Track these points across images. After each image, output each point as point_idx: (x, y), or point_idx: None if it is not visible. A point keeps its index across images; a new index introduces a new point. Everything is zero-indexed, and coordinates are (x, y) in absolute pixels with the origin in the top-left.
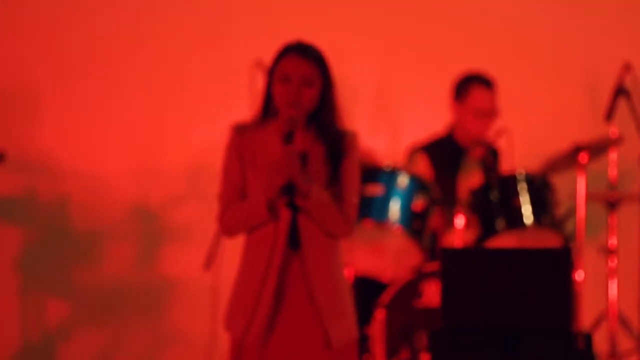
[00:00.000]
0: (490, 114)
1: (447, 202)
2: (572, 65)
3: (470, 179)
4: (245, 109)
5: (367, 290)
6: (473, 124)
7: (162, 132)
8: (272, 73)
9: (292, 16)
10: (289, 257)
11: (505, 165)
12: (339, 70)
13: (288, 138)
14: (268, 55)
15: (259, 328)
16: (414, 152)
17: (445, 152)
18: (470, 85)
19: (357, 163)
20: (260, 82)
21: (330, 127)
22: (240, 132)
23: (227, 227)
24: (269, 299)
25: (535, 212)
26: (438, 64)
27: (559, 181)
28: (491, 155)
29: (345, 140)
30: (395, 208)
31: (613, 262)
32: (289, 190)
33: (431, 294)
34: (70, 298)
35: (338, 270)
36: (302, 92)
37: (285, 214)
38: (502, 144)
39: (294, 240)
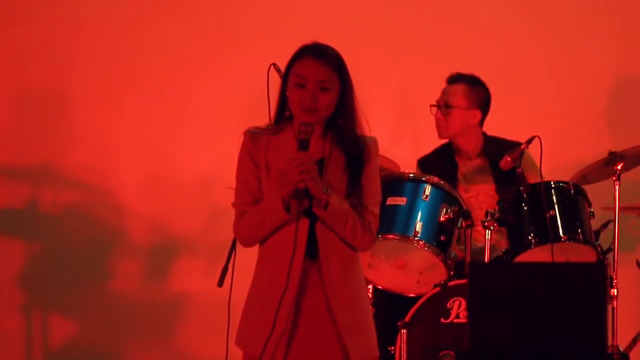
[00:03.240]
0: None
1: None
2: (608, 69)
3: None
4: (261, 116)
5: (390, 306)
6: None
7: (173, 142)
8: (287, 76)
9: (309, 21)
10: (308, 269)
11: (536, 175)
12: (359, 76)
13: (303, 145)
14: (284, 61)
15: (275, 343)
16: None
17: (440, 163)
18: None
19: (377, 169)
20: (277, 88)
21: (349, 133)
22: (254, 137)
23: (242, 234)
24: (287, 313)
25: (567, 225)
26: (462, 68)
27: (593, 192)
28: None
29: (365, 147)
30: (419, 220)
31: None
32: (307, 197)
33: (458, 311)
34: (77, 316)
35: (358, 284)
36: (318, 98)
37: (303, 223)
38: (532, 152)
39: (312, 250)
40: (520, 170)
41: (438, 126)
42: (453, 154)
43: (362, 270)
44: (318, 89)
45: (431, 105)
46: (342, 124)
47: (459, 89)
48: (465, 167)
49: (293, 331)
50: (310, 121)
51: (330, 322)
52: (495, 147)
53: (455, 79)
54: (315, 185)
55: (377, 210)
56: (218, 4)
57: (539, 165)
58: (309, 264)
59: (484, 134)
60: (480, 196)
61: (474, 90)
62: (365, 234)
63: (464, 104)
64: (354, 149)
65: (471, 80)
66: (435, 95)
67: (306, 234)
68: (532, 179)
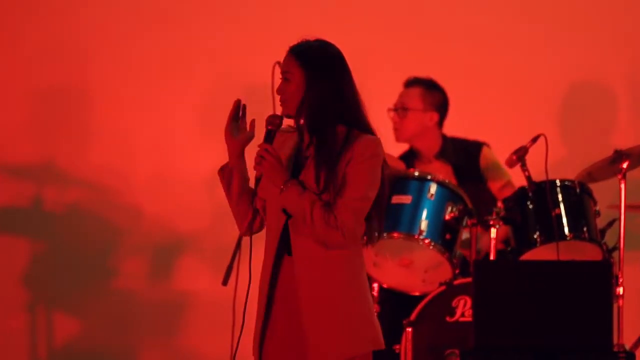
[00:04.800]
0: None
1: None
2: (613, 66)
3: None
4: (266, 114)
5: (395, 305)
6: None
7: (178, 140)
8: None
9: (310, 21)
10: (285, 265)
11: (541, 173)
12: (359, 76)
13: (266, 136)
14: None
15: (256, 341)
16: None
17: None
18: None
19: (364, 167)
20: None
21: (312, 122)
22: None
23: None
24: (262, 311)
25: (573, 223)
26: (464, 68)
27: (598, 190)
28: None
29: (347, 142)
30: (424, 219)
31: None
32: None
33: (463, 310)
34: (81, 314)
35: (339, 281)
36: (282, 89)
37: (279, 219)
38: (538, 150)
39: (284, 246)
40: (526, 171)
41: (395, 129)
42: (413, 160)
43: (352, 268)
44: (282, 80)
45: (388, 109)
46: (306, 115)
47: (415, 92)
48: None
49: (267, 329)
50: (279, 114)
51: (298, 319)
52: (454, 148)
53: (411, 82)
54: (273, 175)
55: (352, 206)
56: (224, 3)
57: (502, 164)
58: (287, 260)
59: (444, 136)
60: None
61: (430, 93)
62: (330, 230)
63: (420, 106)
64: (321, 139)
65: (427, 83)
66: None
67: (281, 229)
68: (498, 180)
